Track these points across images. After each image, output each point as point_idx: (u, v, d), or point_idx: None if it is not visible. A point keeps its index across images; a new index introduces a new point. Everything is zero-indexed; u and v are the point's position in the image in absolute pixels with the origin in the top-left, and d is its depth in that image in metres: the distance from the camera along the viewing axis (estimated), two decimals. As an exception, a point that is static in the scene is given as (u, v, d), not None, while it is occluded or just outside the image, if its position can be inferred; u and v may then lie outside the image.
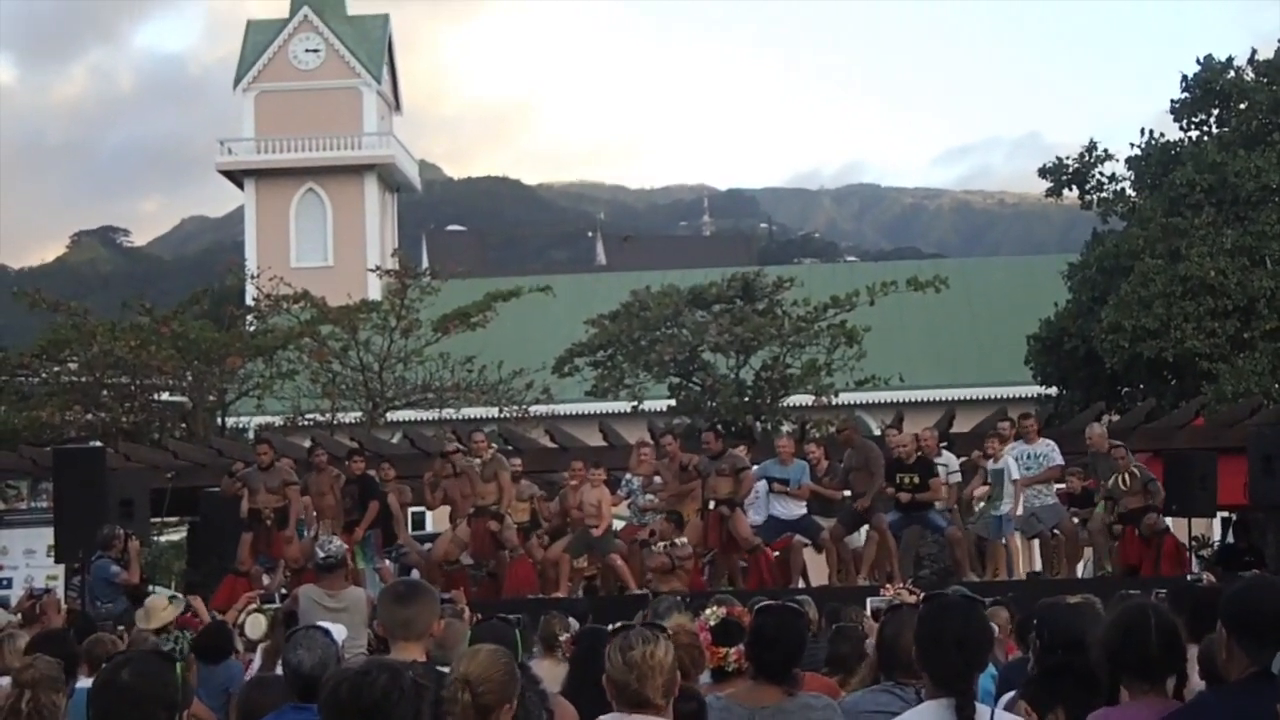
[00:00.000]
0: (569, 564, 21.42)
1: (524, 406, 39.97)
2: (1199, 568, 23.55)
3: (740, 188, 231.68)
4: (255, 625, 13.97)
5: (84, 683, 9.49)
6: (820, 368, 37.26)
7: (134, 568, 20.13)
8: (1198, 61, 38.52)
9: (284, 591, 19.14)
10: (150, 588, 22.52)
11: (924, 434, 22.62)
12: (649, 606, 12.70)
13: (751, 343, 37.01)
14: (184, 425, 37.46)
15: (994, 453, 21.71)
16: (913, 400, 51.41)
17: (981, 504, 22.34)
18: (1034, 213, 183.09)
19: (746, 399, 36.91)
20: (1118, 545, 22.13)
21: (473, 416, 39.53)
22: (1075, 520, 22.60)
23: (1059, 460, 22.05)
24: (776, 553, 22.00)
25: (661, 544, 20.69)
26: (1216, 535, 29.10)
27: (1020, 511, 21.44)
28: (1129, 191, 39.92)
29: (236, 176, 75.43)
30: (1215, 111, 38.55)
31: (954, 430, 26.21)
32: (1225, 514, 26.61)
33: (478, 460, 22.14)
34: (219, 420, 40.33)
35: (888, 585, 17.24)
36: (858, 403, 47.85)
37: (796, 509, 21.88)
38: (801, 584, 21.60)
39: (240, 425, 41.79)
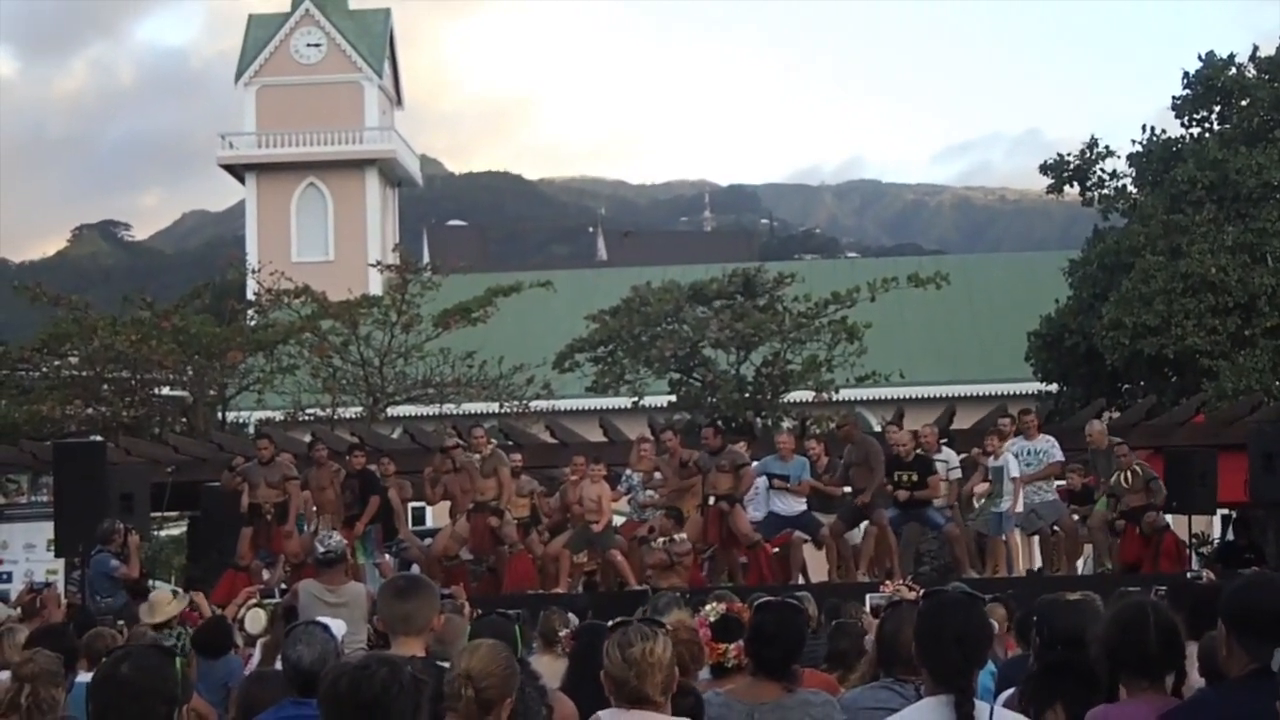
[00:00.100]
0: (569, 559, 21.43)
1: (524, 402, 39.97)
2: (1199, 565, 23.55)
3: (741, 183, 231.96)
4: (255, 620, 13.98)
5: (83, 677, 9.50)
6: (821, 364, 37.27)
7: (134, 562, 20.12)
8: (1199, 58, 38.55)
9: (284, 586, 19.17)
10: (150, 582, 22.54)
11: (924, 430, 22.62)
12: (648, 602, 12.68)
13: (752, 339, 37.03)
14: (184, 420, 37.47)
15: (994, 450, 21.71)
16: (913, 397, 51.35)
17: (982, 501, 22.35)
18: (1035, 209, 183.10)
19: (747, 395, 36.92)
20: (1119, 542, 22.13)
21: (473, 412, 39.48)
22: (1075, 517, 22.62)
23: (1059, 457, 22.04)
24: (776, 549, 22.01)
25: (661, 540, 20.69)
26: (1216, 532, 29.09)
27: (1020, 508, 21.44)
28: (1130, 188, 39.94)
29: (238, 171, 75.40)
30: (1217, 108, 38.58)
31: (954, 427, 26.20)
32: (1225, 511, 26.64)
33: (477, 456, 22.15)
34: (219, 415, 40.33)
35: (887, 582, 17.25)
36: (858, 399, 47.89)
37: (796, 505, 21.88)
38: (801, 580, 21.61)
39: (241, 420, 41.78)
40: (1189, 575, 19.81)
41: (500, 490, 21.85)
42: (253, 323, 41.54)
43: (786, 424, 33.00)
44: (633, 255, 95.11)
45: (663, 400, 38.56)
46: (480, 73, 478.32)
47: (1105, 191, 40.13)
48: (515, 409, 39.28)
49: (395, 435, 31.15)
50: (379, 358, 39.54)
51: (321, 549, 13.62)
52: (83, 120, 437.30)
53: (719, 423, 25.81)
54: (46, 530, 23.98)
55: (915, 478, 21.41)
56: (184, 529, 33.61)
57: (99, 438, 30.94)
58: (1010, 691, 7.54)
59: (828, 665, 10.58)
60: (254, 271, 45.76)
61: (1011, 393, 45.92)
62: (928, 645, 6.02)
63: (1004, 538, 21.69)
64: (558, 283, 47.22)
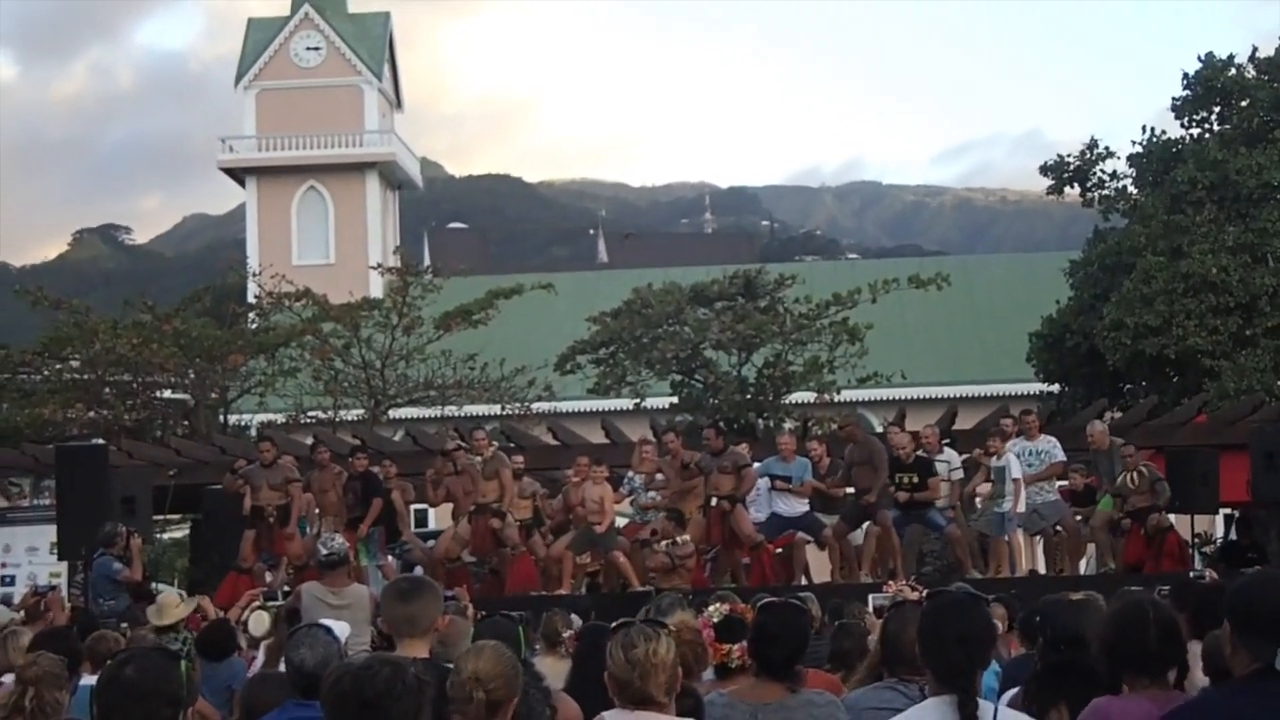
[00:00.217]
0: (572, 561, 21.44)
1: (526, 404, 39.99)
2: (1201, 565, 23.56)
3: (742, 185, 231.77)
4: (258, 622, 13.98)
5: (87, 680, 9.51)
6: (822, 365, 37.27)
7: (136, 565, 20.11)
8: (1199, 59, 38.55)
9: (286, 589, 19.17)
10: (152, 585, 22.56)
11: (925, 431, 22.63)
12: (651, 603, 12.69)
13: (753, 340, 37.04)
14: (186, 423, 37.49)
15: (997, 451, 21.71)
16: (915, 397, 51.35)
17: (983, 501, 22.35)
18: (1035, 210, 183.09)
19: (749, 396, 36.93)
20: (1123, 542, 22.14)
21: (475, 414, 39.50)
22: (1077, 517, 22.62)
23: (1061, 457, 22.05)
24: (779, 550, 22.02)
25: (663, 543, 20.68)
26: (1219, 532, 29.10)
27: (1022, 509, 21.44)
28: (1130, 189, 39.95)
29: (238, 174, 75.43)
30: (1216, 109, 38.59)
31: (956, 427, 26.22)
32: (1227, 511, 26.65)
33: (479, 458, 22.15)
34: (221, 418, 40.34)
35: (890, 582, 17.26)
36: (860, 400, 47.95)
37: (799, 506, 21.88)
38: (804, 581, 21.62)
39: (242, 423, 41.79)
40: (1192, 575, 19.80)
41: (502, 492, 21.86)
42: (254, 326, 41.56)
43: (788, 425, 33.00)
44: (633, 257, 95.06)
45: (664, 402, 38.57)
46: (480, 75, 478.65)
47: (1106, 192, 40.16)
48: (517, 411, 39.30)
49: (397, 437, 31.16)
50: (380, 360, 39.55)
51: (324, 551, 13.62)
52: (83, 123, 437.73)
53: (720, 424, 25.81)
54: (49, 533, 23.97)
55: (915, 479, 21.42)
56: (186, 532, 33.63)
57: (101, 441, 30.95)
58: (1014, 691, 7.54)
59: (831, 665, 10.59)
60: (255, 275, 45.79)
61: (1013, 393, 45.89)
62: (931, 645, 6.02)
63: (1006, 538, 21.70)
64: (559, 285, 47.23)
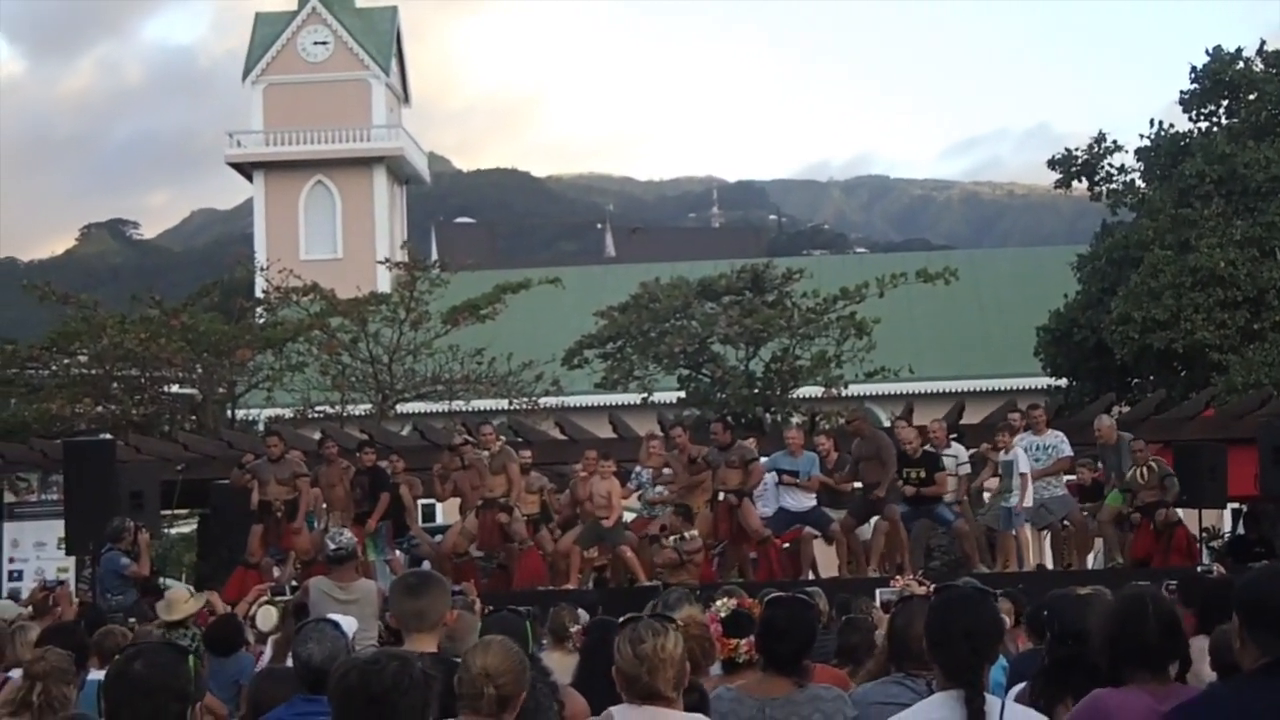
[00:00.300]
0: (579, 556, 21.44)
1: (533, 399, 40.00)
2: (1209, 559, 23.52)
3: (749, 179, 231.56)
4: (266, 617, 14.00)
5: (94, 674, 9.53)
6: (830, 359, 37.28)
7: (144, 560, 20.13)
8: (1207, 53, 38.54)
9: (294, 583, 19.18)
10: (161, 580, 22.57)
11: (933, 425, 22.62)
12: (659, 598, 12.69)
13: (761, 334, 37.06)
14: (194, 417, 37.53)
15: (1005, 445, 21.69)
16: (922, 392, 51.26)
17: (990, 495, 22.34)
18: (1043, 204, 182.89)
19: (756, 391, 36.94)
20: (1131, 537, 22.12)
21: (482, 408, 39.53)
22: (1084, 512, 22.61)
23: (1068, 452, 22.04)
24: (786, 544, 22.01)
25: (671, 538, 20.67)
26: (1227, 527, 29.07)
27: (1029, 503, 21.43)
28: (1138, 183, 39.94)
29: (245, 169, 75.44)
30: (1224, 102, 38.58)
31: (964, 422, 26.20)
32: (1235, 505, 26.60)
33: (486, 452, 22.16)
34: (229, 412, 40.38)
35: (898, 577, 17.24)
36: (867, 394, 47.82)
37: (806, 501, 21.86)
38: (811, 575, 21.62)
39: (250, 418, 41.82)
40: (1199, 569, 19.77)
41: (509, 487, 21.87)
42: (261, 321, 41.59)
43: (796, 419, 32.97)
44: (641, 252, 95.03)
45: (672, 396, 38.59)
46: (487, 69, 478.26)
47: (1113, 186, 40.16)
48: (524, 406, 39.32)
49: (405, 432, 31.16)
50: (388, 355, 39.57)
51: (332, 546, 13.63)
52: (90, 119, 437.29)
53: (728, 418, 25.81)
54: (57, 528, 24.00)
55: (923, 474, 21.40)
56: (194, 527, 33.64)
57: (109, 436, 30.96)
58: (1021, 686, 7.54)
59: (838, 660, 10.59)
60: (262, 269, 45.84)
61: (1020, 387, 46.01)
62: (938, 640, 6.01)
63: (1013, 533, 21.69)
64: (566, 279, 47.25)
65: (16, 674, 8.69)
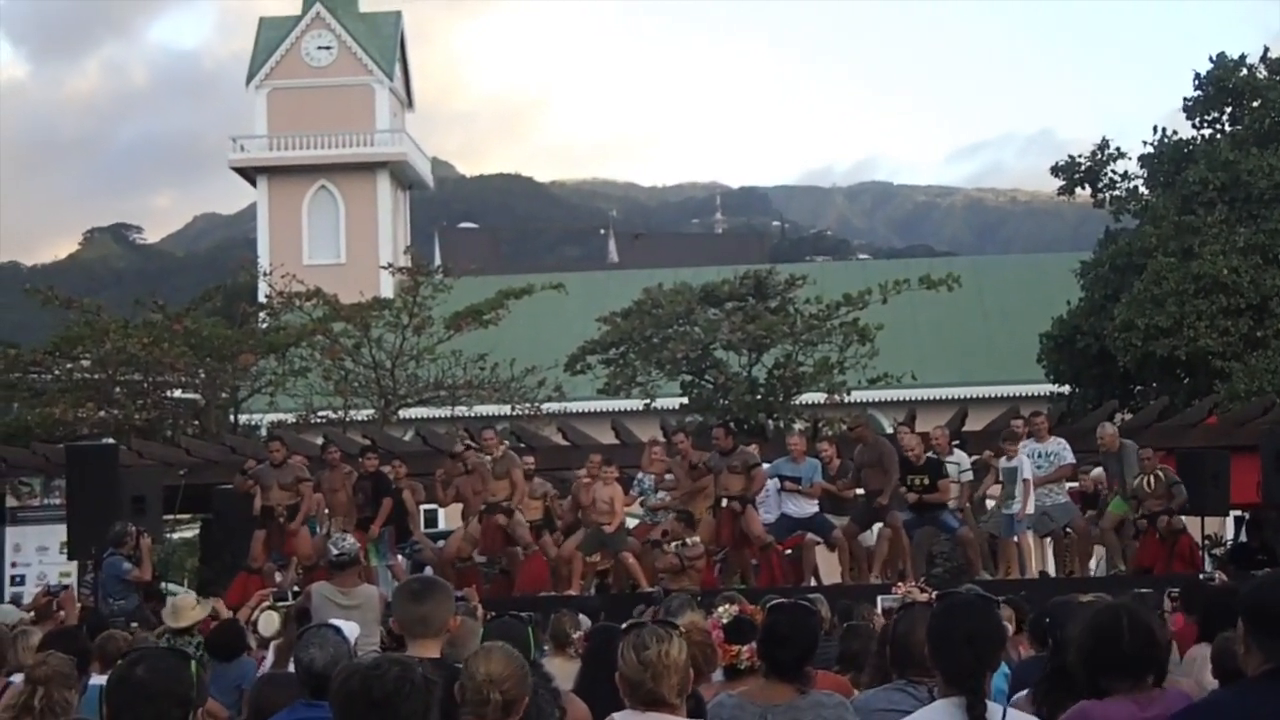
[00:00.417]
0: (581, 561, 21.43)
1: (536, 404, 39.98)
2: (1212, 566, 23.53)
3: (752, 185, 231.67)
4: (268, 622, 13.99)
5: (96, 679, 9.51)
6: (832, 366, 37.25)
7: (146, 565, 20.14)
8: (1211, 59, 38.51)
9: (296, 589, 19.17)
10: (162, 585, 22.58)
11: (935, 432, 22.62)
12: (660, 604, 12.68)
13: (764, 340, 37.01)
14: (196, 422, 37.51)
15: (1010, 454, 21.67)
16: (925, 398, 51.39)
17: (992, 502, 22.35)
18: (1046, 210, 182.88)
19: (759, 397, 36.90)
20: (1137, 545, 22.10)
21: (485, 414, 39.53)
22: (1086, 519, 22.62)
23: (1070, 459, 22.04)
24: (788, 551, 22.01)
25: (673, 544, 20.68)
26: (1229, 534, 29.06)
27: (1031, 510, 21.42)
28: (1142, 190, 39.92)
29: (249, 173, 75.54)
30: (1228, 109, 38.55)
31: (966, 428, 26.20)
32: (1238, 513, 26.59)
33: (489, 457, 22.17)
34: (231, 417, 40.38)
35: (900, 583, 17.26)
36: (870, 401, 47.92)
37: (808, 507, 21.87)
38: (813, 582, 21.61)
39: (253, 422, 41.83)
40: (1201, 577, 19.77)
41: (512, 491, 21.88)
42: (264, 325, 41.59)
43: (798, 426, 32.96)
44: (644, 257, 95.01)
45: (674, 402, 38.56)
46: (491, 74, 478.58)
47: (1117, 193, 40.13)
48: (527, 411, 39.30)
49: (407, 437, 31.16)
50: (390, 360, 39.56)
51: (334, 551, 13.64)
52: (94, 122, 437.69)
53: (730, 424, 25.80)
54: (59, 533, 24.02)
55: (926, 481, 21.40)
56: (196, 531, 33.65)
57: (111, 441, 30.98)
58: (1023, 693, 7.54)
59: (840, 667, 10.58)
60: (265, 274, 45.84)
61: (1023, 394, 45.87)
62: (940, 647, 6.02)
63: (1016, 540, 21.68)
64: (569, 285, 47.19)
65: (18, 679, 8.67)
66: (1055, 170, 40.75)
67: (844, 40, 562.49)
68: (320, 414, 39.43)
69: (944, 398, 52.22)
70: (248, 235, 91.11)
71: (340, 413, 39.12)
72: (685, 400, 38.30)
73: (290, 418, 39.54)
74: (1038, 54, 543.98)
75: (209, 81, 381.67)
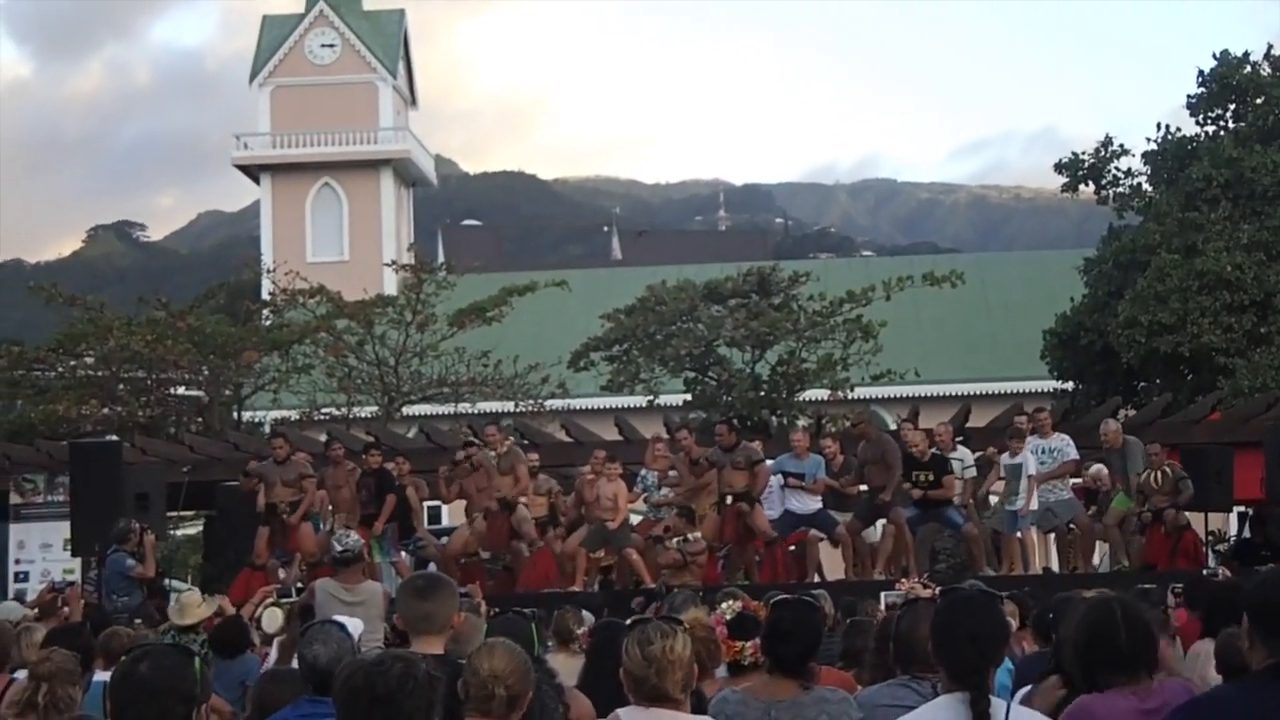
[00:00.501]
0: (585, 557, 21.43)
1: (540, 401, 39.98)
2: (1215, 563, 23.51)
3: (756, 182, 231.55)
4: (271, 619, 13.99)
5: (100, 676, 9.53)
6: (836, 362, 37.25)
7: (150, 562, 20.15)
8: (1214, 56, 38.52)
9: (300, 585, 19.17)
10: (165, 581, 22.58)
11: (939, 429, 22.61)
12: (663, 600, 12.68)
13: (767, 337, 37.03)
14: (200, 419, 37.52)
15: (1015, 450, 21.66)
16: (928, 395, 51.31)
17: (995, 498, 22.34)
18: (1050, 208, 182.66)
19: (762, 394, 36.91)
20: (1143, 540, 22.07)
21: (488, 411, 39.54)
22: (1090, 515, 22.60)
23: (1074, 455, 22.01)
24: (792, 547, 22.01)
25: (674, 540, 20.68)
26: (1232, 530, 29.05)
27: (1034, 506, 21.41)
28: (1145, 186, 39.92)
29: (252, 171, 75.52)
30: (1232, 106, 38.55)
31: (969, 425, 26.19)
32: (1241, 509, 26.58)
33: (494, 453, 22.16)
34: (235, 414, 40.39)
35: (903, 580, 17.24)
36: (873, 397, 47.82)
37: (812, 503, 21.87)
38: (817, 578, 21.61)
39: (256, 419, 41.83)
40: (1205, 573, 19.76)
41: (515, 486, 21.88)
42: (268, 323, 41.60)
43: (802, 422, 32.95)
44: (647, 254, 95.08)
45: (678, 399, 38.56)
46: (494, 72, 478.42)
47: (1120, 190, 40.14)
48: (530, 408, 39.31)
49: (410, 434, 31.19)
50: (394, 357, 39.57)
51: (338, 548, 13.63)
52: (98, 120, 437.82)
53: (734, 420, 25.80)
54: (63, 530, 24.02)
55: (931, 477, 21.38)
56: (200, 528, 33.66)
57: (115, 438, 30.98)
58: (1027, 689, 7.54)
59: (843, 663, 10.59)
60: (269, 272, 45.85)
61: (1027, 390, 45.93)
62: (943, 643, 6.01)
63: (1019, 535, 21.67)
64: (573, 282, 47.23)
65: (22, 675, 8.68)
66: (1059, 167, 40.79)
67: (847, 37, 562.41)
68: (324, 411, 39.42)
69: (947, 394, 52.16)
70: (251, 233, 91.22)
71: (344, 410, 39.13)
72: (689, 397, 38.33)
73: (294, 415, 39.56)
74: (1041, 51, 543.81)
75: (212, 80, 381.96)
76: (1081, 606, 6.63)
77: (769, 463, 21.86)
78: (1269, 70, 38.29)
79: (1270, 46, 38.82)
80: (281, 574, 21.75)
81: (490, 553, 22.64)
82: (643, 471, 23.16)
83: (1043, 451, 21.72)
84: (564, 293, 44.01)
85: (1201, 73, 38.56)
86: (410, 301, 39.78)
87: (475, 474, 22.15)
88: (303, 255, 65.61)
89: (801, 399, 38.20)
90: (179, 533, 37.59)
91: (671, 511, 21.76)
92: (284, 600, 15.11)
